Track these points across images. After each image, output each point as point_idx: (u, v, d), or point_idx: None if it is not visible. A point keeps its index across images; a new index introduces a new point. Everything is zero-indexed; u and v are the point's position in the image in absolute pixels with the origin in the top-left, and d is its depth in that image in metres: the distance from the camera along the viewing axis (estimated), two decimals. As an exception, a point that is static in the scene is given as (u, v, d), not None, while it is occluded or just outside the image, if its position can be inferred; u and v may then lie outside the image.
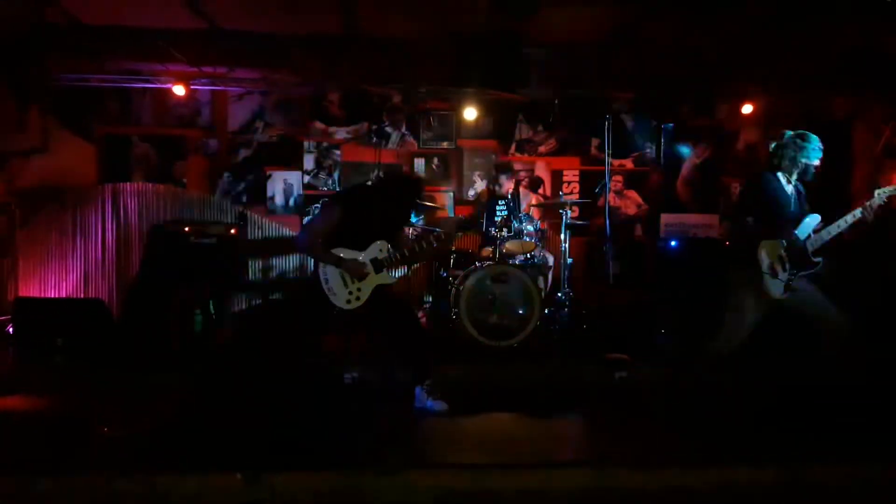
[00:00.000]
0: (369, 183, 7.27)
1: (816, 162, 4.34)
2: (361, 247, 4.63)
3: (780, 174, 4.38)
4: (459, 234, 5.15)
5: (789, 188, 4.38)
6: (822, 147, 4.34)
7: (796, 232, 4.27)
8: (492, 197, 6.88)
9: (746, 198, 4.61)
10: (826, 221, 4.28)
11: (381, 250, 4.64)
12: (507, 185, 6.84)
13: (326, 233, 4.57)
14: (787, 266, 4.23)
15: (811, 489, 3.36)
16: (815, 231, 4.28)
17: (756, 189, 4.48)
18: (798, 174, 4.38)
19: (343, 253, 4.56)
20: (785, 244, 4.24)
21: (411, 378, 4.76)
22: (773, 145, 4.45)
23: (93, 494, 3.19)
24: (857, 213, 4.19)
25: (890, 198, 4.20)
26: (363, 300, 4.60)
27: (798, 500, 3.31)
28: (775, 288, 4.23)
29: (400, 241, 4.79)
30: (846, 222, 4.22)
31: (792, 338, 4.83)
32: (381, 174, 7.29)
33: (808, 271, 4.26)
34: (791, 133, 4.37)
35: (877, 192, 4.20)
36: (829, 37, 6.31)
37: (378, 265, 4.60)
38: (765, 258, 4.24)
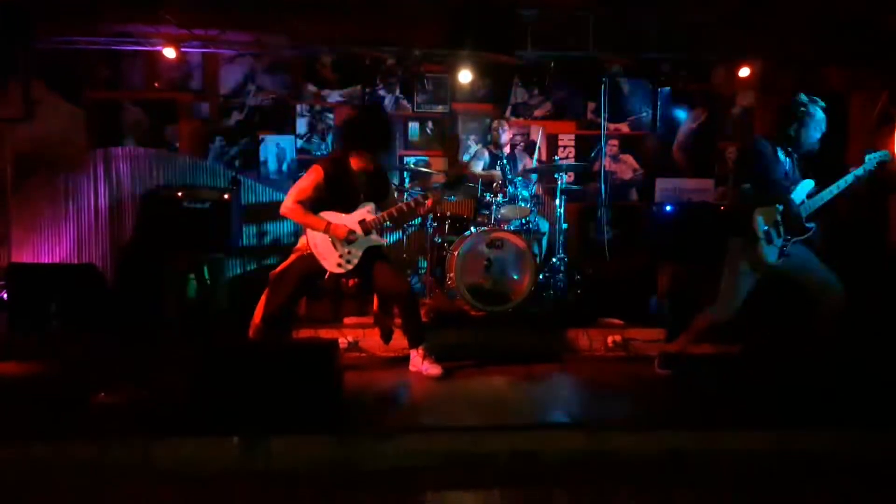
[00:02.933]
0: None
1: (814, 141, 4.32)
2: (348, 210, 4.61)
3: (775, 142, 4.36)
4: (449, 193, 5.14)
5: (783, 154, 4.35)
6: (824, 127, 4.31)
7: (791, 197, 4.26)
8: (491, 155, 6.83)
9: (741, 164, 4.60)
10: (820, 188, 4.28)
11: (368, 212, 4.62)
12: (506, 137, 6.78)
13: (312, 197, 4.54)
14: (782, 231, 4.23)
15: (802, 455, 3.39)
16: (809, 196, 4.27)
17: (751, 156, 4.47)
18: (794, 145, 4.35)
19: (329, 216, 4.54)
20: (780, 210, 4.23)
21: (406, 343, 4.78)
22: (780, 109, 4.41)
23: (87, 460, 3.20)
24: (849, 178, 4.19)
25: (881, 162, 4.20)
26: (353, 264, 4.59)
27: (790, 465, 3.34)
28: (770, 254, 4.22)
29: (388, 203, 4.77)
30: (838, 187, 4.22)
31: (788, 304, 4.85)
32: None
33: (802, 237, 4.26)
34: (801, 102, 4.30)
35: (867, 156, 4.20)
36: (826, 6, 6.25)
37: (366, 227, 4.59)
38: (760, 224, 4.22)
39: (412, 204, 4.73)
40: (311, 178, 4.56)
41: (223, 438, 3.26)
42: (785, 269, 4.28)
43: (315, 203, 4.55)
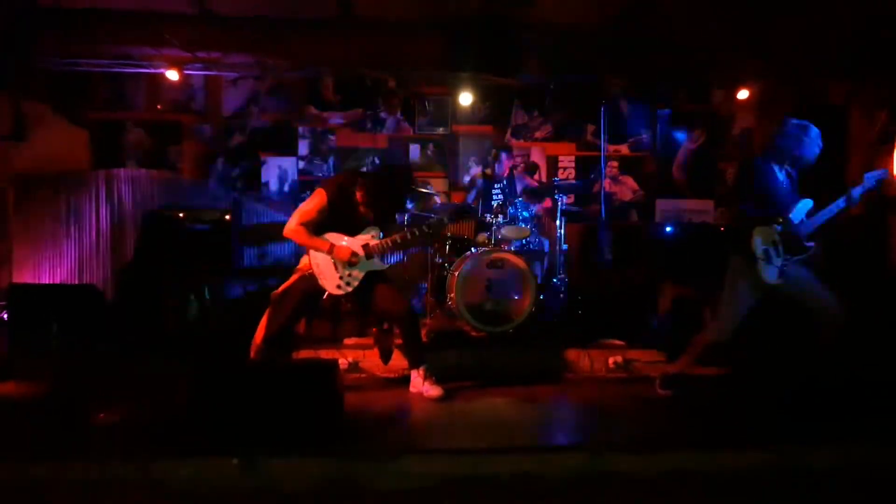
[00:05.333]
0: (363, 169, 7.27)
1: (811, 157, 4.34)
2: (352, 232, 4.63)
3: (771, 161, 4.38)
4: (452, 222, 5.22)
5: (781, 174, 4.37)
6: (820, 144, 4.33)
7: (789, 217, 4.27)
8: (487, 180, 6.86)
9: (739, 184, 4.61)
10: (819, 206, 4.29)
11: (372, 237, 4.63)
12: (506, 164, 6.82)
13: (315, 220, 4.56)
14: (781, 251, 4.23)
15: (804, 473, 3.37)
16: (808, 216, 4.28)
17: (748, 176, 4.49)
18: (790, 163, 4.37)
19: (333, 238, 4.55)
20: (779, 229, 4.24)
21: (407, 363, 4.77)
22: (775, 128, 4.43)
23: (87, 480, 3.19)
24: (848, 196, 4.20)
25: (880, 181, 4.21)
26: (353, 286, 4.60)
27: (792, 484, 3.32)
28: (769, 273, 4.22)
29: (391, 228, 4.79)
30: (838, 206, 4.23)
31: (787, 323, 4.85)
32: (373, 164, 7.29)
33: (801, 256, 4.26)
34: (794, 123, 4.34)
35: (866, 175, 4.22)
36: (825, 21, 6.30)
37: (369, 252, 4.60)
38: (759, 244, 4.23)
39: (416, 232, 4.75)
40: (315, 202, 4.58)
41: (223, 458, 3.24)
42: (785, 288, 4.28)
43: (319, 226, 4.57)
